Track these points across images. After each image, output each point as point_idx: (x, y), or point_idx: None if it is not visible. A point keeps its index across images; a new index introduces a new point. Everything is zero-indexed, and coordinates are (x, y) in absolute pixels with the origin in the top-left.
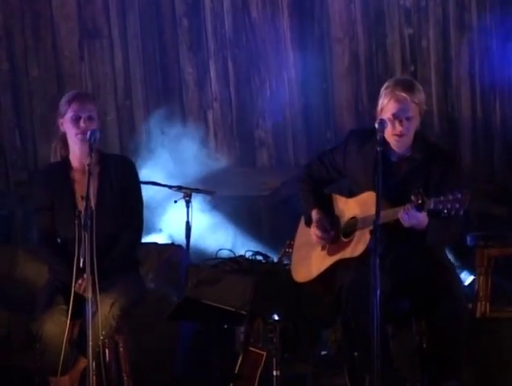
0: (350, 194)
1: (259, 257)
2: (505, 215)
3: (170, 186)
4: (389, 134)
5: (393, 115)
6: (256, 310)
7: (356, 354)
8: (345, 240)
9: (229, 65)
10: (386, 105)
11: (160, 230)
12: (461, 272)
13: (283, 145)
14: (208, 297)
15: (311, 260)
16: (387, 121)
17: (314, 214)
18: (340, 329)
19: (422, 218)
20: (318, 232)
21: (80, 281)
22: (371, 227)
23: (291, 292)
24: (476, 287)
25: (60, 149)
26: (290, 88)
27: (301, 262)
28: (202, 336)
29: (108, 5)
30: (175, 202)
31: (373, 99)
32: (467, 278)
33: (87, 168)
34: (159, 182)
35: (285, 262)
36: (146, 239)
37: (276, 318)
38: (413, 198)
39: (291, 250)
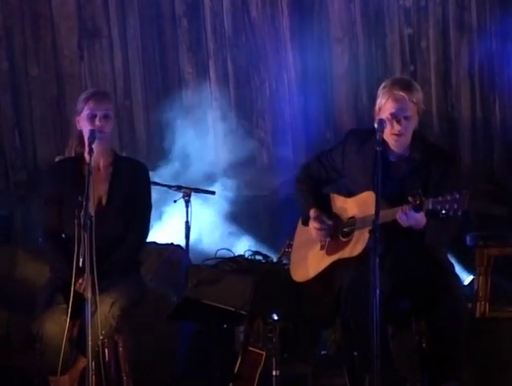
0: (349, 193)
1: (259, 257)
2: (505, 214)
3: (169, 186)
4: (387, 134)
5: (391, 114)
6: (256, 310)
7: (355, 354)
8: (344, 239)
9: (228, 65)
10: (384, 105)
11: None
12: (461, 272)
13: (283, 145)
14: (208, 296)
15: (309, 259)
16: (386, 121)
17: (312, 213)
18: (340, 329)
19: (420, 218)
20: (316, 224)
21: (80, 281)
22: (370, 228)
23: (290, 292)
24: (476, 287)
25: (76, 146)
26: (289, 88)
27: (300, 262)
28: (202, 336)
29: (107, 5)
30: (175, 201)
31: (373, 99)
32: (466, 278)
33: (86, 167)
34: (159, 181)
35: (284, 262)
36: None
37: (276, 317)
38: (410, 199)
39: (290, 250)
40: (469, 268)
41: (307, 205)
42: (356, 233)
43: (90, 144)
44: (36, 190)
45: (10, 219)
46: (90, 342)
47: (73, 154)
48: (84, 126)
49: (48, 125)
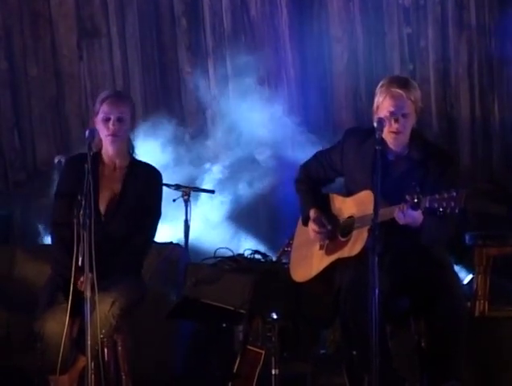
0: (348, 192)
1: (258, 256)
2: (504, 214)
3: (168, 185)
4: (386, 132)
5: (389, 112)
6: (255, 309)
7: (354, 353)
8: (343, 239)
9: (227, 64)
10: (382, 103)
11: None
12: (460, 271)
13: (283, 144)
14: (207, 296)
15: (309, 259)
16: (385, 120)
17: (312, 213)
18: (339, 328)
19: (417, 216)
20: (315, 227)
21: (82, 279)
22: (368, 227)
23: (289, 291)
24: (475, 286)
25: (97, 144)
26: (289, 87)
27: (299, 262)
28: (201, 335)
29: (106, 4)
30: (174, 201)
31: (372, 98)
32: (466, 277)
33: (86, 167)
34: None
35: (284, 261)
36: None
37: (275, 316)
38: (408, 197)
39: (289, 249)
40: (468, 268)
41: (307, 205)
42: (354, 233)
43: (90, 143)
44: (36, 190)
45: (9, 219)
46: (89, 342)
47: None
48: (99, 128)
49: (47, 124)
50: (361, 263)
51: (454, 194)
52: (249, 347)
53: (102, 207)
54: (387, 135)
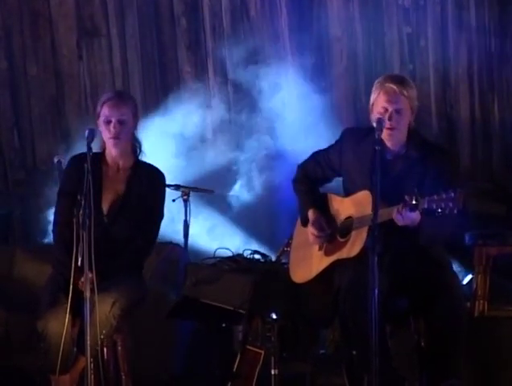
0: (346, 192)
1: (258, 256)
2: (504, 214)
3: (168, 185)
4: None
5: (383, 108)
6: (254, 309)
7: (354, 353)
8: (342, 240)
9: (227, 64)
10: (376, 99)
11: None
12: (459, 271)
13: (282, 144)
14: (207, 295)
15: (308, 260)
16: (384, 120)
17: (310, 214)
18: (339, 328)
19: (415, 217)
20: (314, 231)
21: (82, 279)
22: (367, 227)
23: (289, 291)
24: (475, 286)
25: (101, 144)
26: (288, 87)
27: (299, 263)
28: (200, 335)
29: (106, 4)
30: (174, 201)
31: None
32: (465, 277)
33: (86, 166)
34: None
35: (283, 261)
36: None
37: (274, 316)
38: (407, 198)
39: (289, 249)
40: (468, 267)
41: (305, 206)
42: (353, 233)
43: (89, 143)
44: (35, 190)
45: (8, 218)
46: (89, 342)
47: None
48: (102, 130)
49: (47, 124)
50: (361, 263)
51: (452, 194)
52: (249, 347)
53: (105, 208)
54: (383, 132)
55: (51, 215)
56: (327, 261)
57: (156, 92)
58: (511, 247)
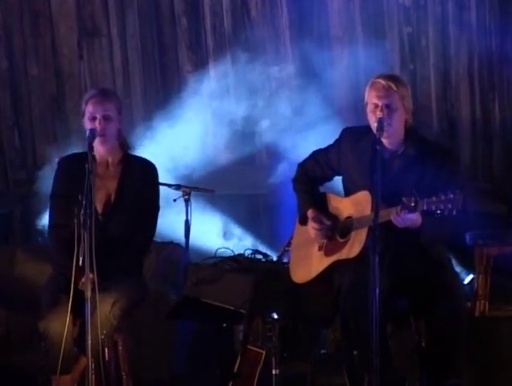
0: (345, 191)
1: (258, 256)
2: (505, 214)
3: (169, 185)
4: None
5: (373, 104)
6: (255, 309)
7: (355, 353)
8: (341, 240)
9: (228, 64)
10: (368, 97)
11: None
12: (460, 270)
13: (283, 144)
14: (208, 295)
15: (308, 260)
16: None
17: (309, 213)
18: (339, 328)
19: (415, 217)
20: (315, 225)
21: (83, 279)
22: (366, 228)
23: (290, 291)
24: (476, 286)
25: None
26: (289, 87)
27: (299, 263)
28: (201, 335)
29: (107, 3)
30: (175, 200)
31: None
32: (466, 277)
33: (86, 166)
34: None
35: (284, 261)
36: None
37: (275, 316)
38: (404, 200)
39: (290, 249)
40: (469, 267)
41: (305, 205)
42: (353, 234)
43: (90, 143)
44: (36, 190)
45: (9, 218)
46: (90, 342)
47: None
48: (87, 128)
49: (48, 124)
50: (361, 264)
51: (451, 196)
52: (250, 347)
53: (99, 207)
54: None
55: None
56: (327, 262)
57: (157, 92)
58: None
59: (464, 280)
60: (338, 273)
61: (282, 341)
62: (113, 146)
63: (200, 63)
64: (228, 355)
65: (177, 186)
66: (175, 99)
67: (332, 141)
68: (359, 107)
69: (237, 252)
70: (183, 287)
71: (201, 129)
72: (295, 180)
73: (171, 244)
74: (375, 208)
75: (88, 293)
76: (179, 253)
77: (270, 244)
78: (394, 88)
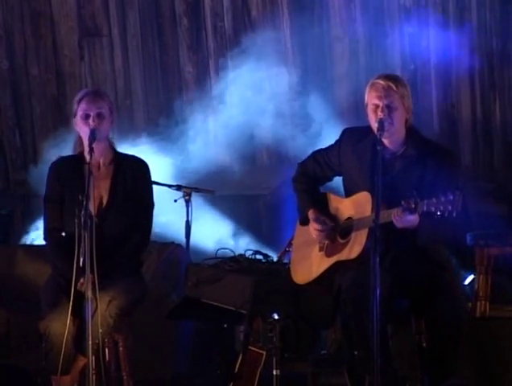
0: (346, 191)
1: (259, 256)
2: (505, 214)
3: (169, 186)
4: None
5: (373, 104)
6: (256, 309)
7: (356, 353)
8: (342, 241)
9: (228, 64)
10: (368, 97)
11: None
12: (461, 271)
13: (283, 144)
14: (208, 296)
15: (309, 261)
16: (369, 113)
17: (310, 214)
18: (340, 328)
19: (414, 218)
20: (317, 226)
21: (82, 280)
22: (367, 229)
23: (290, 291)
24: (476, 286)
25: (79, 146)
26: (290, 87)
27: (300, 263)
28: (202, 335)
29: (108, 4)
30: (175, 201)
31: None
32: (467, 278)
33: (86, 167)
34: (159, 181)
35: (285, 261)
36: None
37: (276, 317)
38: (403, 203)
39: (290, 249)
40: (470, 268)
41: (305, 205)
42: (353, 235)
43: (90, 143)
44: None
45: (10, 218)
46: (90, 341)
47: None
48: (80, 127)
49: (48, 124)
50: (362, 264)
51: (451, 197)
52: (251, 348)
53: (93, 208)
54: (385, 133)
55: None
56: (327, 263)
57: (157, 92)
58: None
59: (464, 280)
60: (339, 273)
61: (283, 341)
62: (105, 146)
63: (201, 64)
64: (228, 355)
65: (178, 187)
66: (175, 99)
67: (332, 142)
68: (359, 107)
69: (237, 253)
70: (183, 287)
71: (202, 129)
72: (295, 180)
73: (171, 245)
74: (376, 209)
75: (89, 294)
76: (180, 254)
77: (271, 245)
78: (394, 88)
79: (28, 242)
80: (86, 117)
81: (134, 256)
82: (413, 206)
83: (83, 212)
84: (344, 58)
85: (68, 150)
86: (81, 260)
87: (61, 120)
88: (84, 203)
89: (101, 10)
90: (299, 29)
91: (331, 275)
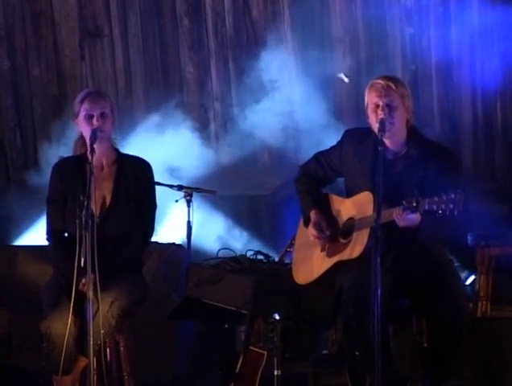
0: (347, 193)
1: (260, 257)
2: (506, 214)
3: (171, 186)
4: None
5: (374, 104)
6: (257, 310)
7: (357, 353)
8: (343, 241)
9: (229, 64)
10: (368, 98)
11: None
12: (462, 271)
13: (284, 145)
14: (209, 296)
15: (310, 261)
16: (370, 113)
17: (312, 215)
18: (341, 329)
19: (416, 217)
20: (314, 232)
21: (83, 281)
22: (368, 229)
23: (291, 292)
24: (477, 286)
25: (81, 147)
26: (291, 88)
27: (301, 263)
28: (203, 335)
29: (109, 4)
30: (177, 201)
31: None
32: (468, 278)
33: (88, 167)
34: (160, 181)
35: (286, 261)
36: None
37: (277, 317)
38: (405, 202)
39: (291, 249)
40: (471, 268)
41: (307, 207)
42: (354, 235)
43: (92, 144)
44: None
45: (10, 218)
46: (92, 342)
47: (78, 154)
48: (82, 128)
49: (49, 124)
50: (363, 264)
51: (452, 196)
52: (252, 348)
53: (95, 209)
54: (386, 133)
55: None
56: (328, 263)
57: (158, 92)
58: None
59: (465, 280)
60: (340, 272)
61: (284, 341)
62: (108, 147)
63: (202, 64)
64: (229, 355)
65: (179, 187)
66: (176, 99)
67: (334, 143)
68: (360, 108)
69: (238, 253)
70: (184, 288)
71: (203, 129)
72: (297, 182)
73: (172, 245)
74: (377, 209)
75: (90, 294)
76: (181, 254)
77: (272, 245)
78: (394, 88)
79: (28, 242)
80: (89, 117)
81: (134, 256)
82: (414, 204)
83: (84, 212)
84: (345, 58)
85: (68, 151)
86: (82, 260)
87: (62, 120)
88: (86, 203)
89: (102, 10)
90: (300, 29)
91: (332, 275)
